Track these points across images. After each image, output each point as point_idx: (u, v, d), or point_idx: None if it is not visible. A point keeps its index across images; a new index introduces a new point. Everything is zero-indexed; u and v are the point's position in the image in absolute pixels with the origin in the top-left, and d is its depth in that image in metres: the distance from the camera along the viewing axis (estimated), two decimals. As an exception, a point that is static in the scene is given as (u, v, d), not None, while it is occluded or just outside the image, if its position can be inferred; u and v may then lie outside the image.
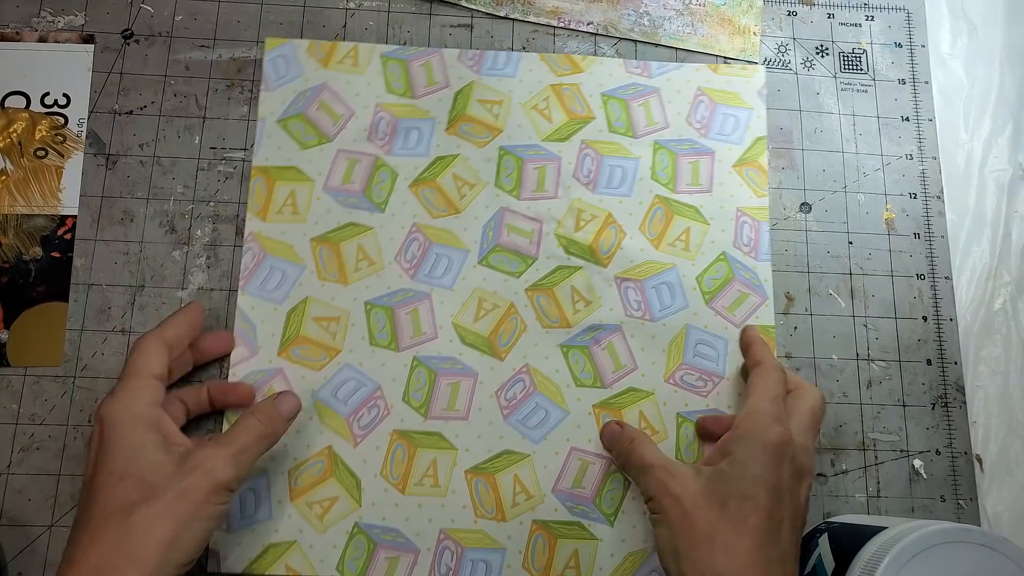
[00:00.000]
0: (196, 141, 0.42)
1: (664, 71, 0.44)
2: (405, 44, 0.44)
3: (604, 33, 0.45)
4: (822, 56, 0.46)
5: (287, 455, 0.38)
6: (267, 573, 0.36)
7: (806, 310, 0.42)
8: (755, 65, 0.45)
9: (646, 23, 0.45)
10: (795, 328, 0.42)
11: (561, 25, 0.45)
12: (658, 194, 0.42)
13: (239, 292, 0.40)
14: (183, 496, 0.29)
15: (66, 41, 0.43)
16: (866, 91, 0.45)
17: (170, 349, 0.34)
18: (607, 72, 0.44)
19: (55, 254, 0.40)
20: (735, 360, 0.41)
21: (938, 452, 0.41)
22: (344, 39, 0.44)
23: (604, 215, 0.42)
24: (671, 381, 0.40)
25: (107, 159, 0.41)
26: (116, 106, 0.42)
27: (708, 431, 0.39)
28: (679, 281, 0.41)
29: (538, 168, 0.42)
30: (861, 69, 0.46)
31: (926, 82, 0.46)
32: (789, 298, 0.42)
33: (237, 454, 0.31)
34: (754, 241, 0.42)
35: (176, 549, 0.29)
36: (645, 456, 0.34)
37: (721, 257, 0.42)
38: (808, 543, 0.36)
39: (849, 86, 0.45)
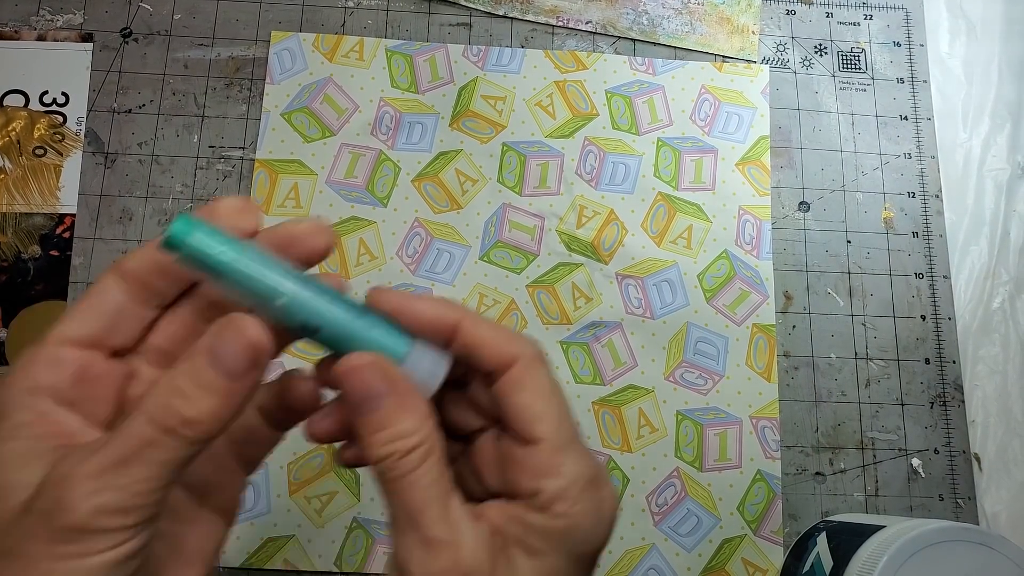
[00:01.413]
0: (195, 140, 0.42)
1: (668, 69, 0.44)
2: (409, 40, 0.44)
3: (603, 32, 0.45)
4: (821, 55, 0.46)
5: (286, 449, 0.38)
6: (265, 567, 0.36)
7: (804, 309, 0.42)
8: (759, 64, 0.45)
9: (644, 22, 0.45)
10: (793, 327, 0.42)
11: (560, 24, 0.45)
12: (660, 191, 0.43)
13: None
14: (14, 550, 0.17)
15: (65, 40, 0.43)
16: (865, 90, 0.45)
17: (132, 290, 0.20)
18: (611, 69, 0.44)
19: (54, 252, 0.40)
20: (736, 358, 0.41)
21: (936, 451, 0.41)
22: (343, 37, 0.44)
23: (606, 212, 0.42)
24: (671, 379, 0.40)
25: (106, 158, 0.41)
26: (115, 105, 0.42)
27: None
28: (680, 279, 0.41)
29: (540, 164, 0.42)
30: (860, 68, 0.46)
31: (925, 81, 0.46)
32: (788, 297, 0.42)
33: (105, 471, 0.17)
34: (756, 240, 0.42)
35: None
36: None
37: (723, 255, 0.42)
38: (806, 542, 0.36)
39: (848, 85, 0.45)
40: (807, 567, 0.35)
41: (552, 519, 0.20)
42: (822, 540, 0.35)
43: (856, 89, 0.45)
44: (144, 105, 0.42)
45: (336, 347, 0.20)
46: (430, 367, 0.21)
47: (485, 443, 0.22)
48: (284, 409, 0.22)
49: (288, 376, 0.21)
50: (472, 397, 0.22)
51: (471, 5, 0.45)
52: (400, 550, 0.19)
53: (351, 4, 0.44)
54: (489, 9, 0.45)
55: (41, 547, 0.17)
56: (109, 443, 0.17)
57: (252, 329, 0.18)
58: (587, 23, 0.45)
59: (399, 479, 0.19)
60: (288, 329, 0.20)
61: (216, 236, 0.19)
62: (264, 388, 0.22)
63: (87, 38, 0.43)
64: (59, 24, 0.43)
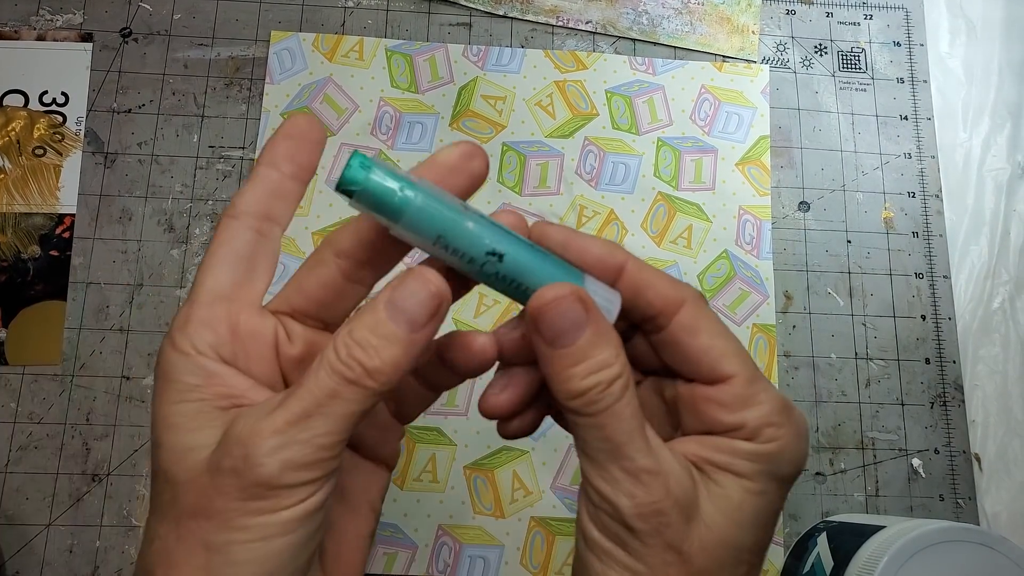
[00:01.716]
0: (194, 140, 0.42)
1: (668, 68, 0.44)
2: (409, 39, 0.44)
3: (603, 32, 0.45)
4: (821, 55, 0.46)
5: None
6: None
7: (805, 309, 0.42)
8: (759, 64, 0.45)
9: (644, 22, 0.45)
10: (793, 327, 0.42)
11: (560, 24, 0.45)
12: (661, 191, 0.42)
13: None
14: (208, 510, 0.18)
15: (64, 39, 0.43)
16: (865, 90, 0.45)
17: (256, 227, 0.21)
18: (611, 69, 0.44)
19: (53, 253, 0.40)
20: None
21: (937, 451, 0.41)
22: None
23: (606, 212, 0.42)
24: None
25: (105, 158, 0.41)
26: (114, 105, 0.42)
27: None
28: (681, 279, 0.41)
29: (540, 164, 0.42)
30: (860, 68, 0.46)
31: (925, 81, 0.46)
32: (788, 297, 0.42)
33: (290, 426, 0.18)
34: (756, 239, 0.42)
35: None
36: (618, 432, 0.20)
37: (723, 255, 0.42)
38: (806, 542, 0.36)
39: (848, 85, 0.45)
40: (807, 567, 0.35)
41: (762, 444, 0.20)
42: (822, 540, 0.35)
43: (856, 89, 0.45)
44: (144, 105, 0.42)
45: (515, 278, 0.19)
46: (603, 303, 0.20)
47: (643, 392, 0.23)
48: (446, 369, 0.22)
49: (458, 333, 0.21)
50: (630, 352, 0.22)
51: (471, 5, 0.45)
52: (602, 486, 0.19)
53: (351, 4, 0.44)
54: (489, 9, 0.45)
55: (233, 504, 0.17)
56: (291, 397, 0.18)
57: (434, 279, 0.19)
58: (587, 23, 0.45)
59: (603, 412, 0.19)
60: (468, 269, 0.19)
61: (391, 174, 0.18)
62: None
63: (87, 38, 0.43)
64: (59, 24, 0.43)
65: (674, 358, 0.21)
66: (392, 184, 0.18)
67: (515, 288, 0.20)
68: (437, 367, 0.22)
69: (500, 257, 0.19)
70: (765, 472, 0.20)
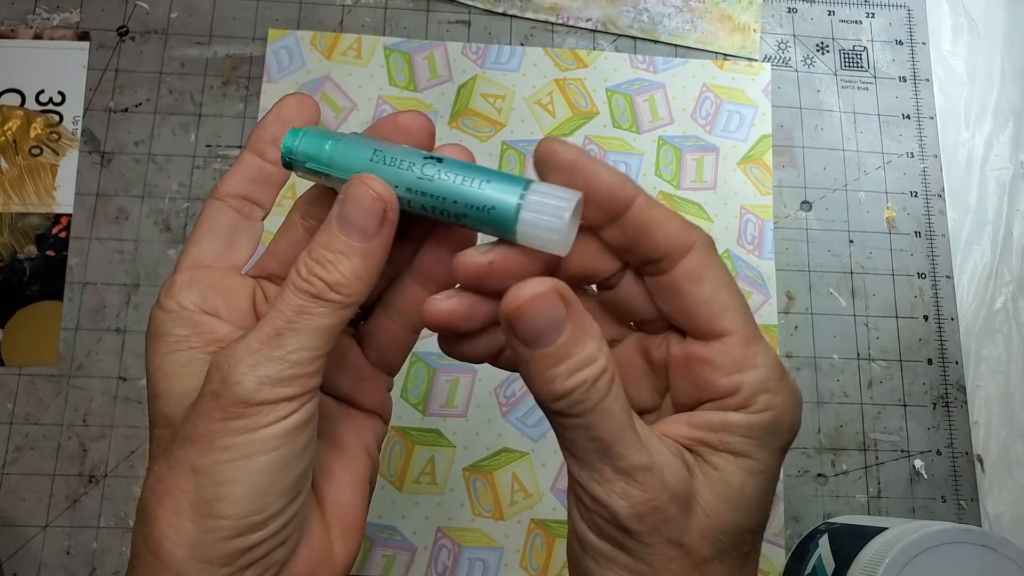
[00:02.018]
0: (191, 139, 0.42)
1: (669, 67, 0.44)
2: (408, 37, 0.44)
3: (603, 30, 0.45)
4: (822, 53, 0.46)
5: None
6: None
7: (807, 309, 0.42)
8: (760, 62, 0.45)
9: (645, 20, 0.45)
10: (795, 327, 0.41)
11: (560, 22, 0.45)
12: (661, 190, 0.42)
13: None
14: (193, 435, 0.18)
15: (61, 38, 0.42)
16: (867, 88, 0.45)
17: (235, 206, 0.22)
18: (612, 67, 0.44)
19: (50, 253, 0.40)
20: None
21: (939, 452, 0.40)
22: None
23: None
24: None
25: (102, 157, 0.41)
26: (111, 104, 0.42)
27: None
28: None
29: None
30: (862, 66, 0.45)
31: (927, 80, 0.45)
32: (789, 297, 0.42)
33: (263, 344, 0.18)
34: (758, 239, 0.42)
35: (209, 519, 0.18)
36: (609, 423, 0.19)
37: (724, 255, 0.42)
38: (808, 544, 0.36)
39: (850, 83, 0.45)
40: (809, 569, 0.34)
41: (756, 414, 0.19)
42: (824, 542, 0.35)
43: (858, 88, 0.45)
44: (141, 104, 0.42)
45: (457, 188, 0.19)
46: (555, 205, 0.18)
47: (626, 352, 0.21)
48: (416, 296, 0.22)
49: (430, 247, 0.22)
50: (618, 297, 0.20)
51: (470, 3, 0.44)
52: (594, 488, 0.18)
53: (349, 2, 0.44)
54: (488, 7, 0.44)
55: (215, 425, 0.18)
56: (262, 321, 0.19)
57: (375, 183, 0.19)
58: (587, 21, 0.45)
59: (590, 410, 0.18)
60: (408, 184, 0.19)
61: (319, 134, 0.20)
62: (396, 289, 0.22)
63: (83, 37, 0.43)
64: (55, 23, 0.43)
65: (671, 306, 0.19)
66: (320, 140, 0.20)
67: (458, 203, 0.19)
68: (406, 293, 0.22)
69: (439, 161, 0.19)
70: (762, 446, 0.19)
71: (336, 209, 0.19)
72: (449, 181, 0.19)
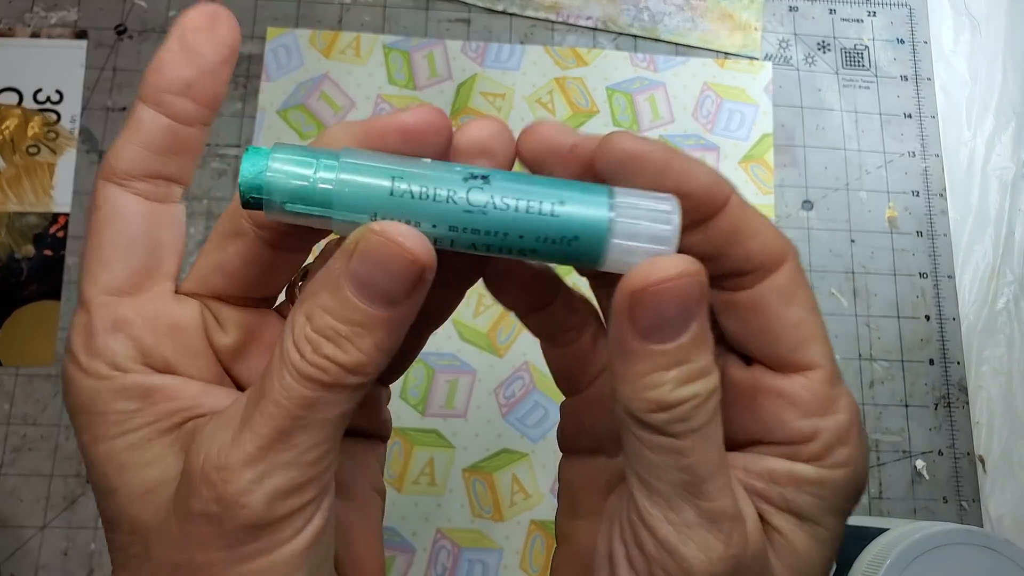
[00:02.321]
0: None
1: (670, 65, 0.44)
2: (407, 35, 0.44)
3: (603, 28, 0.45)
4: (824, 52, 0.45)
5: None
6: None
7: (807, 309, 0.42)
8: (761, 61, 0.45)
9: (646, 18, 0.45)
10: (796, 327, 0.41)
11: (560, 20, 0.44)
12: None
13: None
14: (188, 566, 0.14)
15: (59, 37, 0.42)
16: (868, 88, 0.45)
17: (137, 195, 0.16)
18: (612, 66, 0.44)
19: (47, 252, 0.40)
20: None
21: (940, 453, 0.40)
22: (340, 34, 0.43)
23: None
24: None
25: (100, 156, 0.41)
26: (109, 102, 0.42)
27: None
28: None
29: None
30: (863, 65, 0.45)
31: (928, 79, 0.45)
32: (790, 297, 0.42)
33: (265, 451, 0.14)
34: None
35: None
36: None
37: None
38: (809, 544, 0.36)
39: (851, 82, 0.45)
40: (810, 571, 0.34)
41: (831, 470, 0.15)
42: (825, 543, 0.35)
43: (859, 87, 0.45)
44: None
45: (513, 215, 0.14)
46: (657, 225, 0.14)
47: None
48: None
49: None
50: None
51: (470, 1, 0.44)
52: (667, 532, 0.14)
53: (347, 0, 0.44)
54: (488, 5, 0.44)
55: (218, 554, 0.14)
56: (257, 414, 0.14)
57: (408, 239, 0.14)
58: (588, 19, 0.45)
59: (692, 433, 0.14)
60: (442, 218, 0.14)
61: (301, 159, 0.14)
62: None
63: (81, 35, 0.42)
64: (53, 21, 0.42)
65: (747, 327, 0.16)
66: (302, 166, 0.14)
67: (526, 237, 0.14)
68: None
69: (485, 180, 0.14)
70: (832, 511, 0.16)
71: (346, 264, 0.14)
72: (509, 210, 0.14)
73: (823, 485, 0.15)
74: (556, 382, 0.20)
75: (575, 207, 0.14)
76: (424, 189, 0.14)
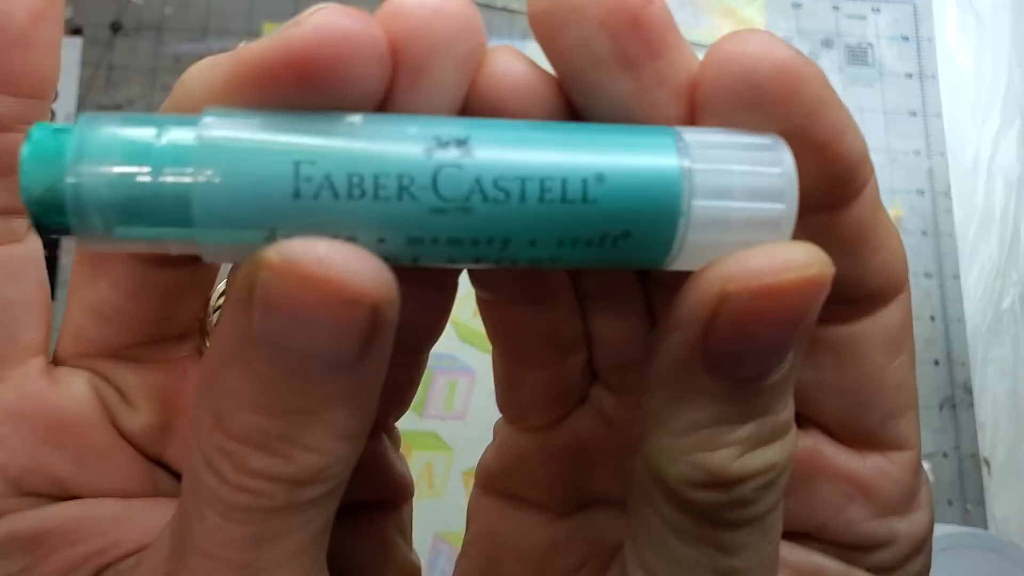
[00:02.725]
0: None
1: None
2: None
3: (604, 25, 0.44)
4: (827, 49, 0.45)
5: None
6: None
7: (810, 309, 0.41)
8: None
9: (647, 15, 0.44)
10: (799, 327, 0.41)
11: (560, 17, 0.44)
12: None
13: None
14: None
15: (53, 33, 0.42)
16: (872, 85, 0.44)
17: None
18: None
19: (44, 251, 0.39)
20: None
21: (945, 455, 0.40)
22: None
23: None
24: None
25: (95, 154, 0.41)
26: (104, 100, 0.41)
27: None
28: None
29: None
30: (867, 63, 0.45)
31: (933, 76, 0.45)
32: (793, 297, 0.41)
33: None
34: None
35: None
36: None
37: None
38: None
39: (855, 80, 0.44)
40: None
41: None
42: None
43: (863, 84, 0.44)
44: (134, 101, 0.41)
45: (512, 235, 0.09)
46: (766, 182, 0.09)
47: (587, 415, 0.13)
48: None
49: None
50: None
51: (469, -2, 0.44)
52: None
53: (346, -3, 0.44)
54: (487, 2, 0.44)
55: None
56: (182, 565, 0.09)
57: (335, 264, 0.08)
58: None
59: (748, 524, 0.10)
60: (398, 209, 0.09)
61: (131, 135, 0.08)
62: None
63: (76, 32, 0.42)
64: (48, 17, 0.42)
65: (829, 379, 0.11)
66: (134, 159, 0.08)
67: (538, 242, 0.09)
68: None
69: (461, 145, 0.09)
70: None
71: (246, 320, 0.09)
72: (509, 201, 0.09)
73: None
74: (501, 405, 0.14)
75: (625, 177, 0.08)
76: (356, 177, 0.08)
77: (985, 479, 0.40)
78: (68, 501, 0.11)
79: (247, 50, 0.09)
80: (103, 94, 0.41)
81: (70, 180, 0.08)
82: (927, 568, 0.12)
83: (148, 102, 0.41)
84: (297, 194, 0.08)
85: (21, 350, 0.11)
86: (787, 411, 0.10)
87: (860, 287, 0.11)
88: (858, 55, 0.45)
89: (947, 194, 0.43)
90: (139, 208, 0.08)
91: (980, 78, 0.45)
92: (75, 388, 0.11)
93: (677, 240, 0.09)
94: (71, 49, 0.42)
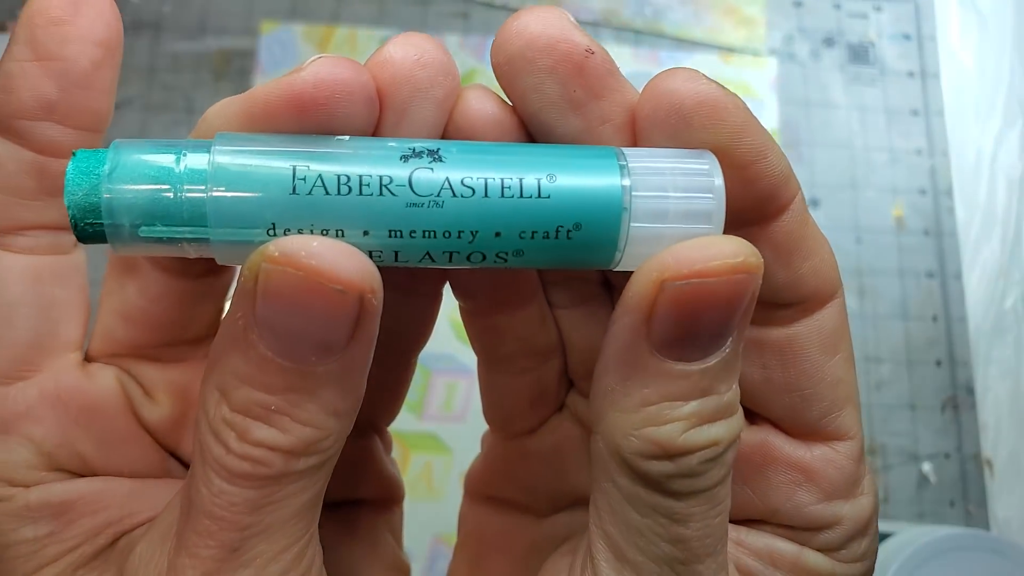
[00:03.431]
0: (184, 135, 0.41)
1: (673, 60, 0.43)
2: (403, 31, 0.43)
3: (605, 23, 0.44)
4: (829, 47, 0.45)
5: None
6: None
7: (812, 309, 0.41)
8: (766, 56, 0.44)
9: (648, 13, 0.44)
10: (800, 328, 0.41)
11: (560, 15, 0.44)
12: None
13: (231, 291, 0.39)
14: None
15: (50, 31, 0.42)
16: (874, 84, 0.44)
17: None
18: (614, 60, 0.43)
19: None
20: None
21: (947, 456, 0.40)
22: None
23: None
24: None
25: (93, 153, 0.40)
26: (102, 98, 0.41)
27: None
28: None
29: None
30: (869, 61, 0.45)
31: (935, 75, 0.45)
32: (794, 297, 0.41)
33: (221, 567, 0.11)
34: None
35: None
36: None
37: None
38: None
39: (857, 79, 0.44)
40: None
41: (845, 564, 0.13)
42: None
43: (865, 83, 0.44)
44: (131, 100, 0.41)
45: (481, 227, 0.10)
46: (697, 196, 0.11)
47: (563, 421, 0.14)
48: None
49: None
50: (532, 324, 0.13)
51: (469, -4, 0.44)
52: None
53: (345, -5, 0.43)
54: (487, 0, 0.44)
55: None
56: (191, 531, 0.11)
57: (327, 257, 0.09)
58: (589, 14, 0.44)
59: (696, 495, 0.11)
60: (379, 210, 0.10)
61: (156, 155, 0.10)
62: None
63: (73, 30, 0.42)
64: (44, 16, 0.42)
65: (773, 377, 0.12)
66: (157, 167, 0.10)
67: (503, 234, 0.10)
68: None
69: (435, 157, 0.10)
70: None
71: (250, 309, 0.10)
72: (475, 196, 0.10)
73: None
74: (487, 414, 0.15)
75: (573, 178, 0.10)
76: (344, 177, 0.10)
77: (987, 480, 0.40)
78: (90, 477, 0.13)
79: (256, 91, 0.11)
80: (100, 93, 0.41)
81: (105, 194, 0.10)
82: (873, 551, 0.13)
83: (146, 100, 0.41)
84: (294, 191, 0.10)
85: (61, 345, 0.13)
86: (731, 394, 0.11)
87: (794, 292, 0.12)
88: (860, 54, 0.45)
89: (949, 193, 0.43)
90: (161, 213, 0.10)
91: (982, 77, 0.45)
92: (104, 380, 0.13)
93: (622, 234, 0.11)
94: (68, 48, 0.41)
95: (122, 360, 0.13)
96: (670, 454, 0.11)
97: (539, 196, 0.10)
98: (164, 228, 0.10)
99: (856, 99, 0.44)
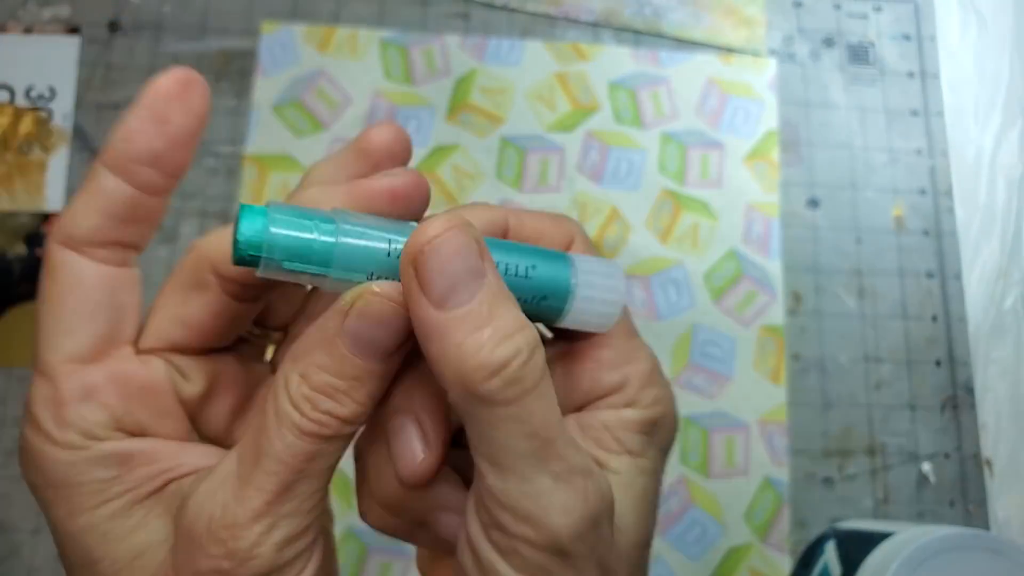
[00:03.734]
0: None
1: (673, 61, 0.43)
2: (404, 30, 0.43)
3: (605, 23, 0.44)
4: (829, 48, 0.45)
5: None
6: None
7: (813, 310, 0.41)
8: (766, 57, 0.44)
9: (648, 13, 0.44)
10: (802, 329, 0.41)
11: (560, 15, 0.44)
12: (666, 188, 0.41)
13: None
14: None
15: (51, 32, 0.42)
16: (874, 84, 0.44)
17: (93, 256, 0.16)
18: (614, 61, 0.43)
19: (39, 252, 0.39)
20: (743, 361, 0.40)
21: (947, 455, 0.40)
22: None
23: (609, 209, 0.41)
24: (677, 382, 0.39)
25: (92, 154, 0.40)
26: (102, 99, 0.41)
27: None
28: (686, 279, 0.40)
29: (541, 160, 0.41)
30: (868, 61, 0.45)
31: (935, 75, 0.45)
32: (796, 297, 0.41)
33: (273, 505, 0.15)
34: (764, 238, 0.41)
35: None
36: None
37: (730, 254, 0.41)
38: (814, 549, 0.36)
39: (857, 79, 0.44)
40: (815, 575, 0.34)
41: (646, 409, 0.18)
42: (831, 547, 0.34)
43: (865, 83, 0.44)
44: (132, 100, 0.41)
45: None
46: (605, 293, 0.18)
47: None
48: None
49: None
50: None
51: (469, -4, 0.44)
52: (525, 504, 0.14)
53: (346, -5, 0.43)
54: (487, 1, 0.44)
55: None
56: (258, 471, 0.15)
57: (396, 294, 0.15)
58: (589, 14, 0.44)
59: (527, 395, 0.14)
60: None
61: (299, 220, 0.15)
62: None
63: (74, 31, 0.42)
64: (46, 17, 0.42)
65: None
66: (301, 226, 0.15)
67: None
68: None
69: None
70: (653, 444, 0.18)
71: (340, 322, 0.15)
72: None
73: (644, 423, 0.18)
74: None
75: (545, 270, 0.17)
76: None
77: (987, 480, 0.40)
78: (145, 438, 0.16)
79: (358, 183, 0.17)
80: (101, 93, 0.41)
81: (270, 234, 0.15)
82: (668, 396, 0.19)
83: (146, 101, 0.41)
84: (388, 256, 0.16)
85: (124, 338, 0.17)
86: (510, 315, 0.15)
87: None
88: (859, 54, 0.45)
89: (949, 193, 0.43)
90: (301, 255, 0.15)
91: (982, 77, 0.45)
92: (155, 366, 0.17)
93: (565, 311, 0.18)
94: (68, 48, 0.41)
95: (166, 354, 0.17)
96: (493, 370, 0.14)
97: (526, 277, 0.17)
98: (300, 264, 0.15)
99: (856, 99, 0.44)
